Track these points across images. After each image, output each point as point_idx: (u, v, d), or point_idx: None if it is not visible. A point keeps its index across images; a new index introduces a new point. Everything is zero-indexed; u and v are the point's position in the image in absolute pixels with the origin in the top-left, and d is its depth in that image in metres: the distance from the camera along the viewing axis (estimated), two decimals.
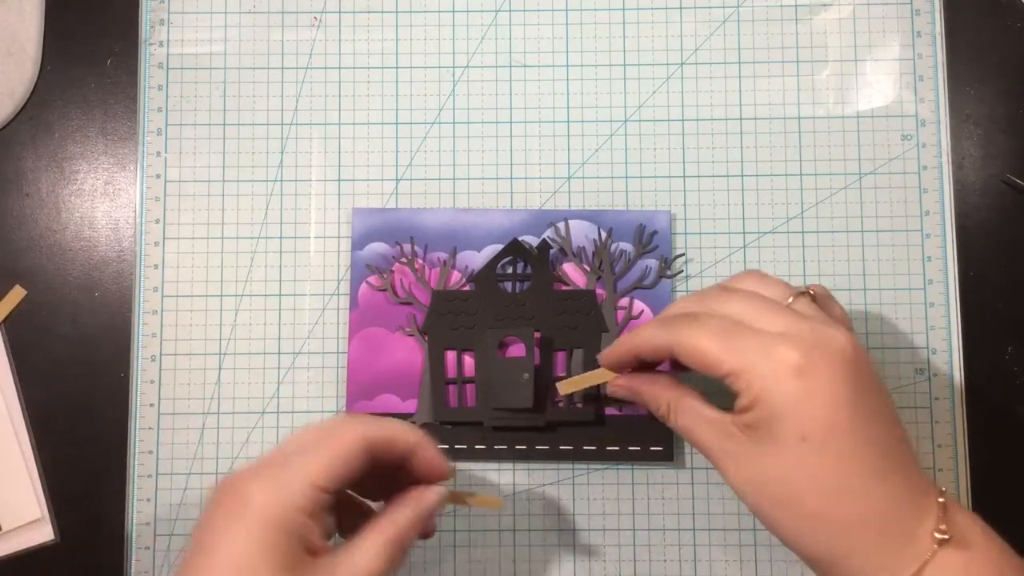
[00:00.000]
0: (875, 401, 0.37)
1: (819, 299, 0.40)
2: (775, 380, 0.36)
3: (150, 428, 0.50)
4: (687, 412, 0.40)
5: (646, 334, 0.40)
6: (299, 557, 0.35)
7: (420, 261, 0.51)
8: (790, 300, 0.39)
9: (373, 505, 0.43)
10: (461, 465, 0.50)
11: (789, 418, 0.36)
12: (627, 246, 0.51)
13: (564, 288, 0.50)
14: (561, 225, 0.51)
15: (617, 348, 0.43)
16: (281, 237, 0.52)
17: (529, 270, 0.50)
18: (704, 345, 0.38)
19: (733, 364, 0.37)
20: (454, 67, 0.53)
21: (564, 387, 0.45)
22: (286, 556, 0.35)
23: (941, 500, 0.36)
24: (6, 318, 0.51)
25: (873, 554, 0.36)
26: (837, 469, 0.36)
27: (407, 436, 0.39)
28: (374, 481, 0.40)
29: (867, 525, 0.35)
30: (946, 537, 0.35)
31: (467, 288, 0.50)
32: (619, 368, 0.44)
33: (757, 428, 0.37)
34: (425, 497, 0.40)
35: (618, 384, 0.44)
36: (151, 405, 0.50)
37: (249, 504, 0.35)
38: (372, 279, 0.50)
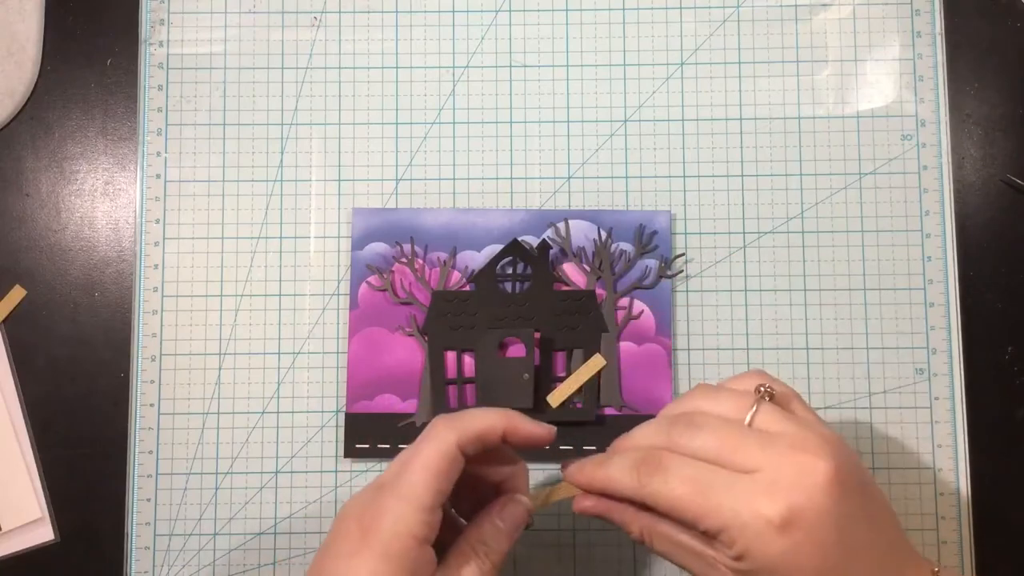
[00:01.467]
0: (865, 513, 0.36)
1: (779, 398, 0.38)
2: (760, 538, 0.34)
3: (150, 428, 0.50)
4: (663, 540, 0.39)
5: (615, 477, 0.38)
6: None
7: (420, 261, 0.51)
8: (751, 414, 0.37)
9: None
10: None
11: (780, 570, 0.35)
12: (627, 246, 0.51)
13: (564, 288, 0.50)
14: (561, 225, 0.51)
15: (583, 478, 0.40)
16: (281, 237, 0.52)
17: (529, 270, 0.50)
18: (680, 503, 0.36)
19: (713, 522, 0.35)
20: (454, 67, 0.53)
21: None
22: None
23: (936, 571, 0.37)
24: (6, 318, 0.51)
25: None
26: None
27: (493, 422, 0.39)
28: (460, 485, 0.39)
29: None
30: None
31: (467, 288, 0.50)
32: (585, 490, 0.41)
33: (747, 573, 0.36)
34: (513, 513, 0.40)
35: (585, 505, 0.41)
36: (151, 405, 0.50)
37: (436, 435, 0.37)
38: (372, 279, 0.50)
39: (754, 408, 0.37)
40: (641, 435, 0.39)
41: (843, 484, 0.35)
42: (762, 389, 0.38)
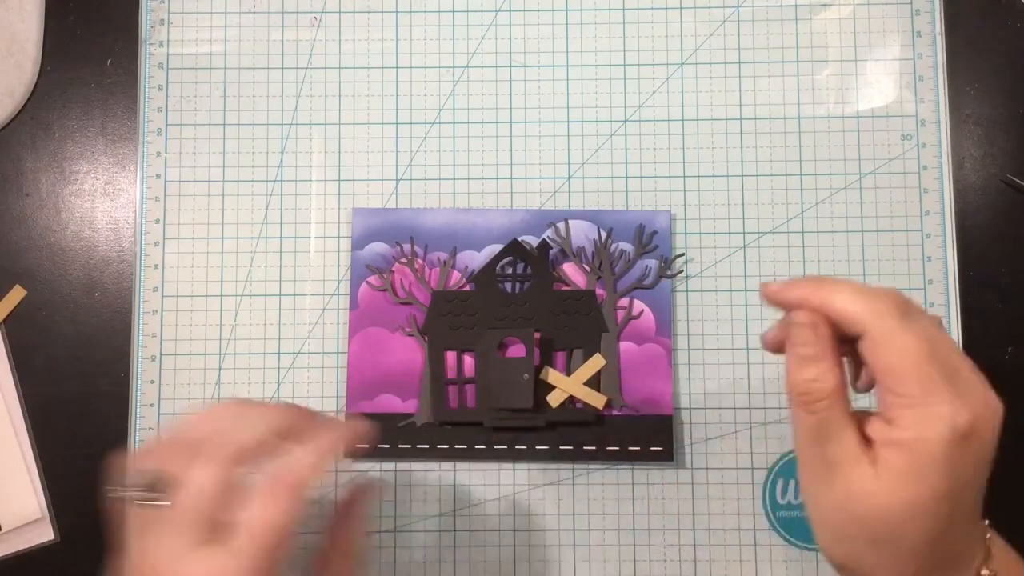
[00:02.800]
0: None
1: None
2: (943, 437, 0.34)
3: (150, 428, 0.50)
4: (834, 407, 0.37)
5: (842, 300, 0.35)
6: None
7: (420, 261, 0.51)
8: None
9: None
10: (461, 465, 0.50)
11: (940, 472, 0.34)
12: (627, 246, 0.51)
13: (564, 288, 0.50)
14: (561, 225, 0.51)
15: (791, 294, 0.36)
16: (281, 237, 0.52)
17: (529, 270, 0.50)
18: (907, 358, 0.34)
19: (914, 393, 0.34)
20: (454, 67, 0.53)
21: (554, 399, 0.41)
22: None
23: (988, 536, 0.37)
24: (6, 318, 0.51)
25: None
26: (949, 520, 0.35)
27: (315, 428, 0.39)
28: None
29: (939, 565, 0.35)
30: (987, 573, 0.36)
31: (467, 288, 0.50)
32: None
33: (910, 466, 0.34)
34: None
35: (772, 332, 0.38)
36: (151, 405, 0.50)
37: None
38: (372, 279, 0.50)
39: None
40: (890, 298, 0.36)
41: (996, 428, 0.36)
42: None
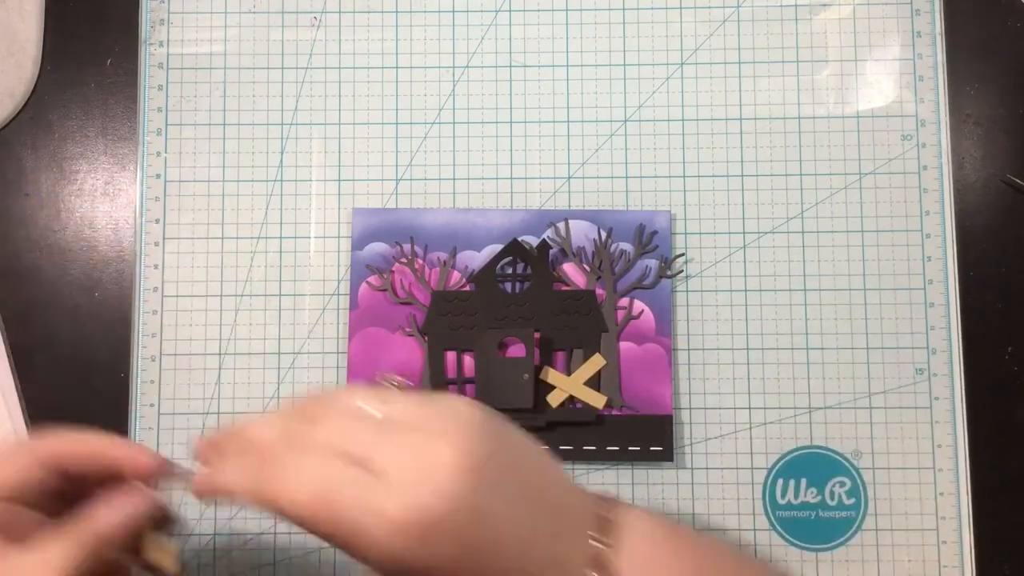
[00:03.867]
0: (503, 486, 0.33)
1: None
2: (391, 545, 0.31)
3: (150, 428, 0.50)
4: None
5: (228, 485, 0.35)
6: None
7: (420, 261, 0.51)
8: (376, 399, 0.34)
9: None
10: None
11: (412, 571, 0.32)
12: (627, 246, 0.51)
13: (564, 288, 0.50)
14: (561, 225, 0.51)
15: (198, 487, 0.36)
16: (281, 237, 0.52)
17: (529, 270, 0.50)
18: (304, 514, 0.32)
19: (344, 533, 0.32)
20: (454, 67, 0.53)
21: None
22: None
23: (596, 543, 0.34)
24: (6, 318, 0.51)
25: None
26: None
27: (91, 443, 0.37)
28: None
29: None
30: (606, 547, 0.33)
31: (467, 288, 0.50)
32: None
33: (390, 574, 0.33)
34: (124, 502, 0.36)
35: (201, 490, 0.36)
36: (151, 405, 0.50)
37: None
38: (372, 279, 0.50)
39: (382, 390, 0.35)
40: (263, 424, 0.35)
41: (475, 468, 0.32)
42: (387, 378, 0.36)
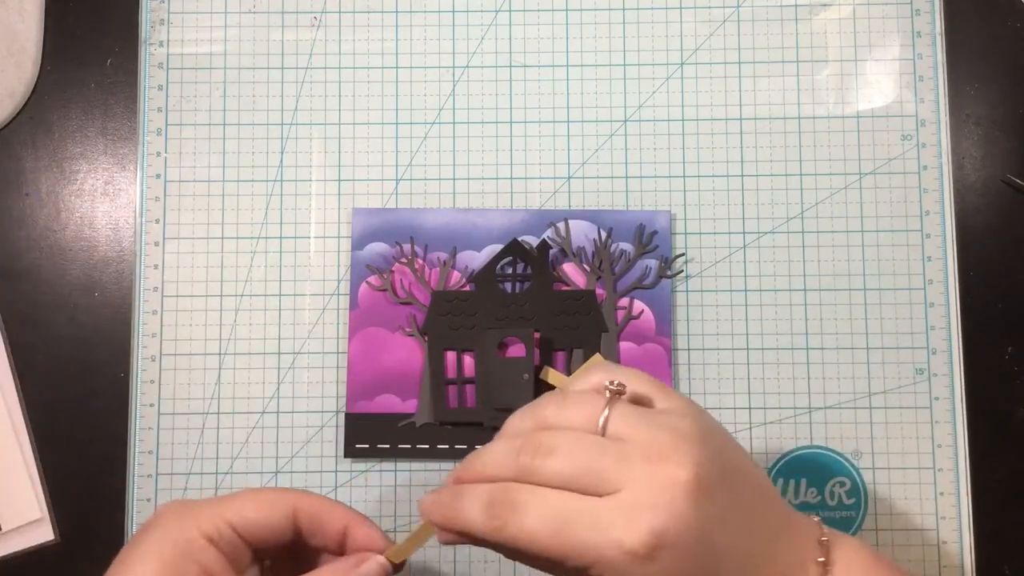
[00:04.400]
0: (734, 504, 0.34)
1: (632, 393, 0.36)
2: (627, 571, 0.32)
3: (150, 428, 0.50)
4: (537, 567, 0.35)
5: (468, 520, 0.35)
6: None
7: (420, 261, 0.51)
8: (602, 420, 0.34)
9: None
10: None
11: None
12: (627, 246, 0.51)
13: (564, 288, 0.50)
14: (561, 225, 0.51)
15: (438, 519, 0.36)
16: (281, 237, 0.52)
17: (529, 270, 0.50)
18: (540, 545, 0.33)
19: (578, 561, 0.32)
20: (454, 67, 0.53)
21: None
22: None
23: (820, 560, 0.35)
24: (6, 318, 0.51)
25: None
26: None
27: (338, 510, 0.38)
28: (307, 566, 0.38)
29: None
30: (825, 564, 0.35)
31: (467, 288, 0.50)
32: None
33: None
34: (363, 566, 0.37)
35: (449, 538, 0.37)
36: (151, 405, 0.50)
37: (159, 524, 0.36)
38: (372, 279, 0.50)
39: (605, 413, 0.34)
40: (489, 462, 0.36)
41: (705, 488, 0.32)
42: (611, 387, 0.35)
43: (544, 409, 0.36)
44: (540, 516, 0.33)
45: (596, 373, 0.37)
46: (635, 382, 0.36)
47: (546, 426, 0.35)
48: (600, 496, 0.33)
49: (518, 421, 0.37)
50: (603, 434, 0.34)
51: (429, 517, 0.37)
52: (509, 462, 0.35)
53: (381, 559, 0.38)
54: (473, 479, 0.36)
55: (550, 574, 0.35)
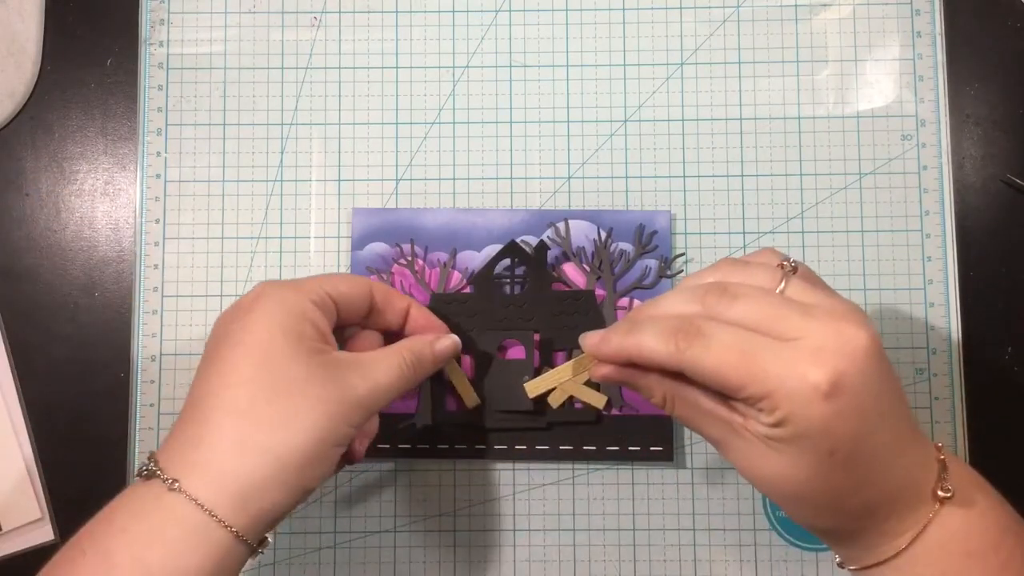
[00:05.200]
0: (891, 386, 0.36)
1: (803, 274, 0.38)
2: (805, 404, 0.34)
3: (150, 428, 0.50)
4: (687, 405, 0.38)
5: (649, 344, 0.37)
6: (318, 345, 0.40)
7: (420, 262, 0.51)
8: (781, 287, 0.37)
9: None
10: (461, 465, 0.50)
11: (818, 437, 0.34)
12: (627, 246, 0.51)
13: (564, 288, 0.50)
14: (561, 225, 0.51)
15: (609, 348, 0.39)
16: (281, 237, 0.52)
17: (528, 271, 0.50)
18: (723, 369, 0.35)
19: (758, 388, 0.34)
20: (454, 67, 0.53)
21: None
22: (305, 340, 0.39)
23: (941, 458, 0.37)
24: (6, 318, 0.51)
25: (882, 525, 0.36)
26: (857, 473, 0.35)
27: (401, 295, 0.46)
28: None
29: (879, 507, 0.36)
30: (948, 495, 0.36)
31: (466, 290, 0.50)
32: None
33: (779, 440, 0.35)
34: (444, 343, 0.46)
35: (605, 372, 0.40)
36: (151, 405, 0.50)
37: (268, 294, 0.40)
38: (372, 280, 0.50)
39: (784, 281, 0.37)
40: (670, 303, 0.38)
41: (879, 353, 0.35)
42: (786, 264, 0.38)
43: (724, 270, 0.38)
44: (727, 343, 0.35)
45: (766, 254, 0.39)
46: (803, 269, 0.39)
47: (730, 287, 0.37)
48: (784, 341, 0.35)
49: (694, 279, 0.39)
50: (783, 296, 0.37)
51: (599, 349, 0.39)
52: (693, 303, 0.37)
53: (454, 337, 0.47)
54: (653, 317, 0.38)
55: (711, 414, 0.37)
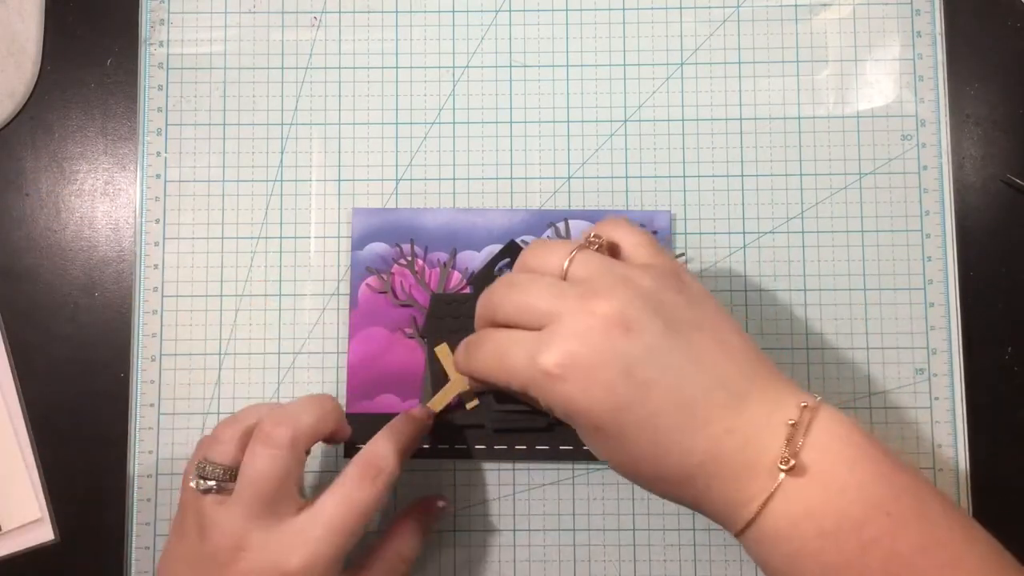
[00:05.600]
0: (666, 352, 0.35)
1: (615, 246, 0.39)
2: (545, 389, 0.36)
3: (150, 428, 0.50)
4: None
5: (457, 359, 0.42)
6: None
7: (420, 262, 0.51)
8: (567, 263, 0.38)
9: None
10: (461, 465, 0.50)
11: (576, 417, 0.36)
12: None
13: None
14: (561, 225, 0.51)
15: (457, 363, 0.43)
16: (281, 237, 0.52)
17: None
18: (489, 374, 0.39)
19: (516, 385, 0.37)
20: (454, 67, 0.53)
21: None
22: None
23: (791, 422, 0.35)
24: (6, 318, 0.51)
25: (715, 494, 0.36)
26: (641, 444, 0.35)
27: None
28: None
29: (695, 476, 0.35)
30: (786, 467, 0.34)
31: (466, 290, 0.50)
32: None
33: (565, 420, 0.37)
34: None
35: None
36: (151, 405, 0.50)
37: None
38: (372, 281, 0.50)
39: (570, 257, 0.38)
40: (480, 302, 0.41)
41: (626, 324, 0.35)
42: (589, 238, 0.39)
43: (528, 253, 0.40)
44: (489, 350, 0.38)
45: (599, 227, 0.41)
46: (630, 238, 0.40)
47: (525, 269, 0.40)
48: (534, 331, 0.37)
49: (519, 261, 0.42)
50: (565, 277, 0.38)
51: (458, 366, 0.43)
52: (483, 306, 0.40)
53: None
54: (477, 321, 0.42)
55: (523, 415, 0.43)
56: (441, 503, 0.47)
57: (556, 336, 0.36)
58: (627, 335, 0.35)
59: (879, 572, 0.33)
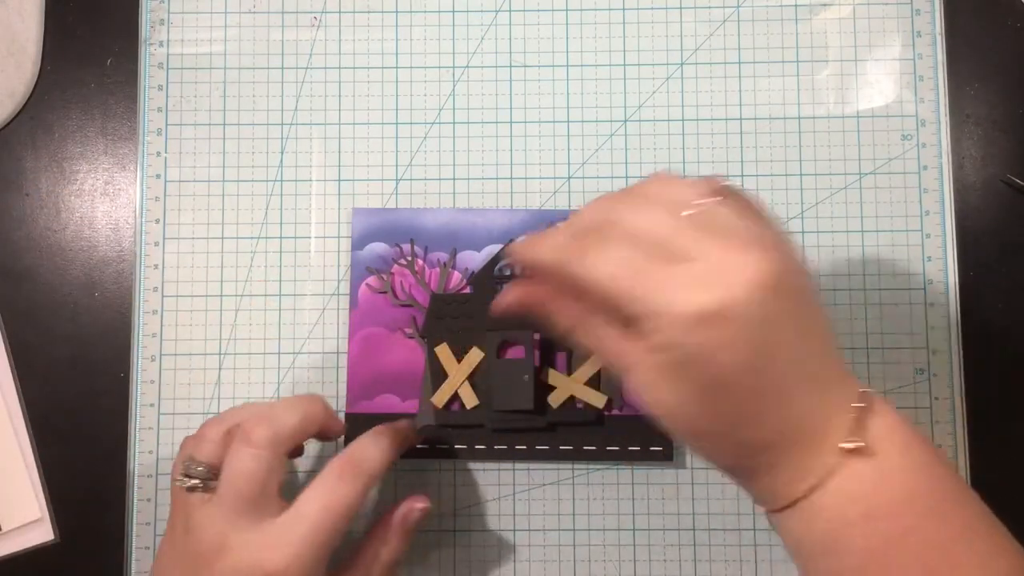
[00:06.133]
0: (795, 320, 0.34)
1: (736, 199, 0.36)
2: (684, 329, 0.33)
3: (150, 428, 0.50)
4: (588, 333, 0.37)
5: (557, 244, 0.37)
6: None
7: (420, 262, 0.51)
8: (698, 203, 0.35)
9: None
10: (461, 465, 0.50)
11: (699, 364, 0.33)
12: None
13: None
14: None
15: (522, 248, 0.39)
16: (281, 237, 0.52)
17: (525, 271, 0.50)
18: (614, 283, 0.34)
19: (640, 307, 0.34)
20: (454, 67, 0.53)
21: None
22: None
23: (859, 405, 0.35)
24: (6, 318, 0.51)
25: (779, 468, 0.35)
26: (746, 407, 0.34)
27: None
28: None
29: (772, 447, 0.35)
30: (852, 447, 0.34)
31: (466, 290, 0.50)
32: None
33: (668, 367, 0.34)
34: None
35: (508, 300, 0.40)
36: (151, 405, 0.50)
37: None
38: (372, 281, 0.50)
39: (699, 201, 0.35)
40: (594, 207, 0.37)
41: (775, 287, 0.33)
42: (720, 186, 0.36)
43: (653, 182, 0.37)
44: (620, 258, 0.34)
45: (714, 181, 0.37)
46: (743, 200, 0.37)
47: (646, 196, 0.36)
48: (677, 262, 0.34)
49: (630, 187, 0.38)
50: (696, 217, 0.35)
51: (511, 254, 0.39)
52: (609, 208, 0.36)
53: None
54: (568, 227, 0.37)
55: (585, 327, 0.37)
56: (420, 505, 0.45)
57: (714, 278, 0.33)
58: (772, 299, 0.33)
59: (915, 558, 0.34)
